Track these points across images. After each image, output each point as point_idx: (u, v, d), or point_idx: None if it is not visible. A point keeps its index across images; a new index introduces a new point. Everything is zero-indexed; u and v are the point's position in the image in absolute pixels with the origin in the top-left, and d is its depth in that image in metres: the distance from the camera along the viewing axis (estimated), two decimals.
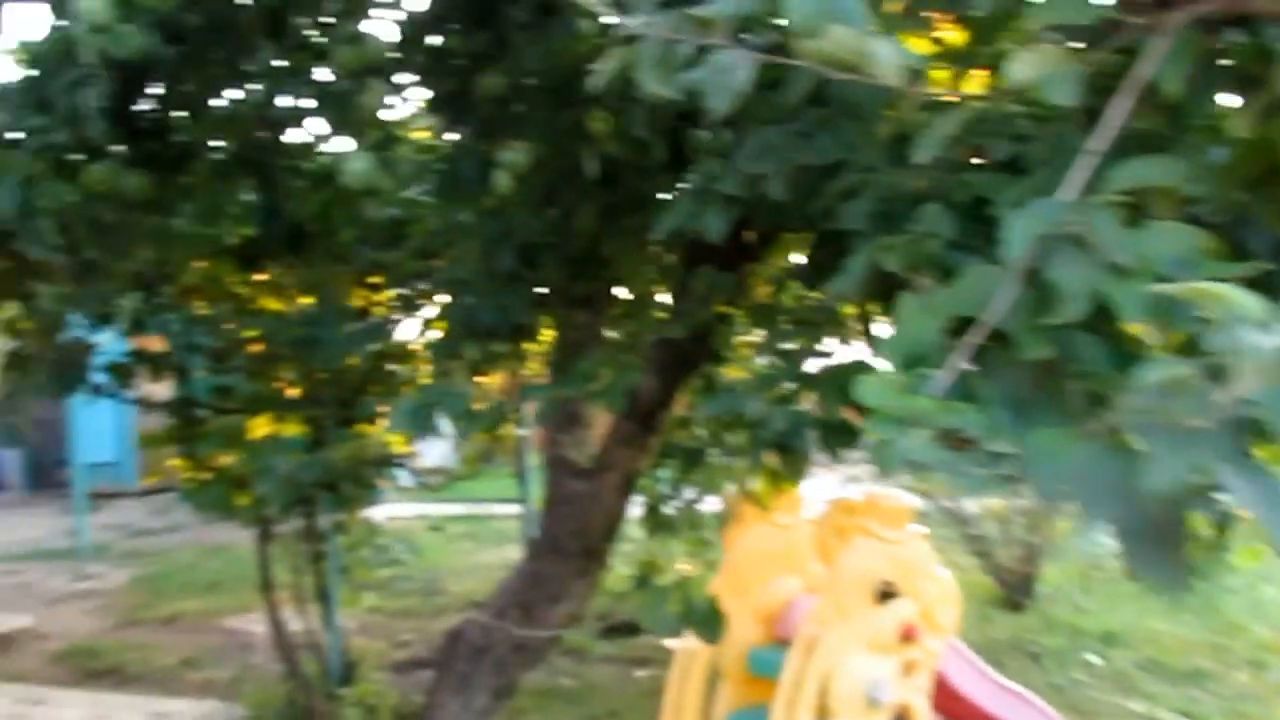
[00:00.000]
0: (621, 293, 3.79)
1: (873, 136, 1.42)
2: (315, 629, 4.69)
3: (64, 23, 1.99)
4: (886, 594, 2.86)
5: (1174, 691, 4.83)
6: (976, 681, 3.31)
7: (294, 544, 4.71)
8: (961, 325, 0.96)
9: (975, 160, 1.36)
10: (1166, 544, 0.78)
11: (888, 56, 0.98)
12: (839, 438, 1.49)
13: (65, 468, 12.60)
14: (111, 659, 5.77)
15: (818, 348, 1.59)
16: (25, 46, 2.24)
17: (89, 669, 5.64)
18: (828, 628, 2.77)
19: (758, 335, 4.95)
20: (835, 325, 1.72)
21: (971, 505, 6.64)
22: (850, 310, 1.87)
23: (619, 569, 4.05)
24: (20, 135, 1.96)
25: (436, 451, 8.08)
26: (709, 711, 3.12)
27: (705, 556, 1.61)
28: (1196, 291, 0.72)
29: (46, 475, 13.91)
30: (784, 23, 1.01)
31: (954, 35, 1.42)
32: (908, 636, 2.88)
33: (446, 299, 3.86)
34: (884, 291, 1.25)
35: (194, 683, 5.31)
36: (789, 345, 1.84)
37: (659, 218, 1.55)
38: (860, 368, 1.51)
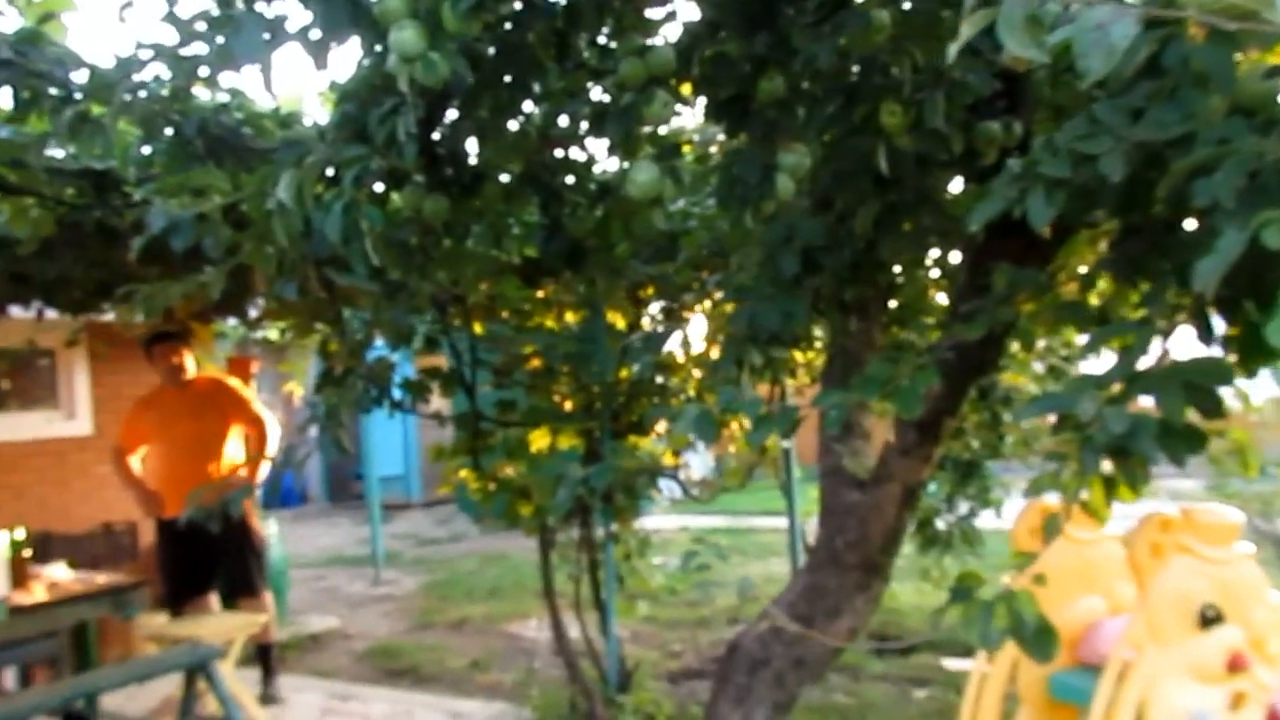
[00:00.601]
0: (895, 302, 3.68)
1: (1220, 107, 1.27)
2: (592, 636, 4.82)
3: (371, 59, 2.14)
4: (1210, 619, 2.60)
5: None
6: None
7: (571, 553, 4.88)
8: None
9: None
10: None
11: None
12: (1184, 443, 1.34)
13: (358, 481, 13.73)
14: (408, 659, 6.18)
15: (1147, 346, 1.44)
16: (336, 87, 2.43)
17: (389, 668, 6.07)
18: (1143, 653, 2.54)
19: (1049, 339, 4.68)
20: (1164, 320, 1.56)
21: None
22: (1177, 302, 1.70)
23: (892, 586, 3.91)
24: (337, 168, 2.12)
25: (699, 464, 8.16)
26: None
27: (1028, 569, 1.50)
28: None
29: (343, 488, 15.22)
30: None
31: None
32: (1235, 666, 2.60)
33: (720, 308, 3.88)
34: (1248, 272, 1.11)
35: (483, 684, 5.60)
36: (1106, 345, 1.69)
37: (974, 207, 1.46)
38: (1211, 364, 1.36)
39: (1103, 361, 1.68)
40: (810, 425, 4.03)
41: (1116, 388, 1.40)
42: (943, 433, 2.99)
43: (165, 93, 2.15)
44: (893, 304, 3.68)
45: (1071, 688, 2.84)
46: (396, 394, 3.43)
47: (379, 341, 3.52)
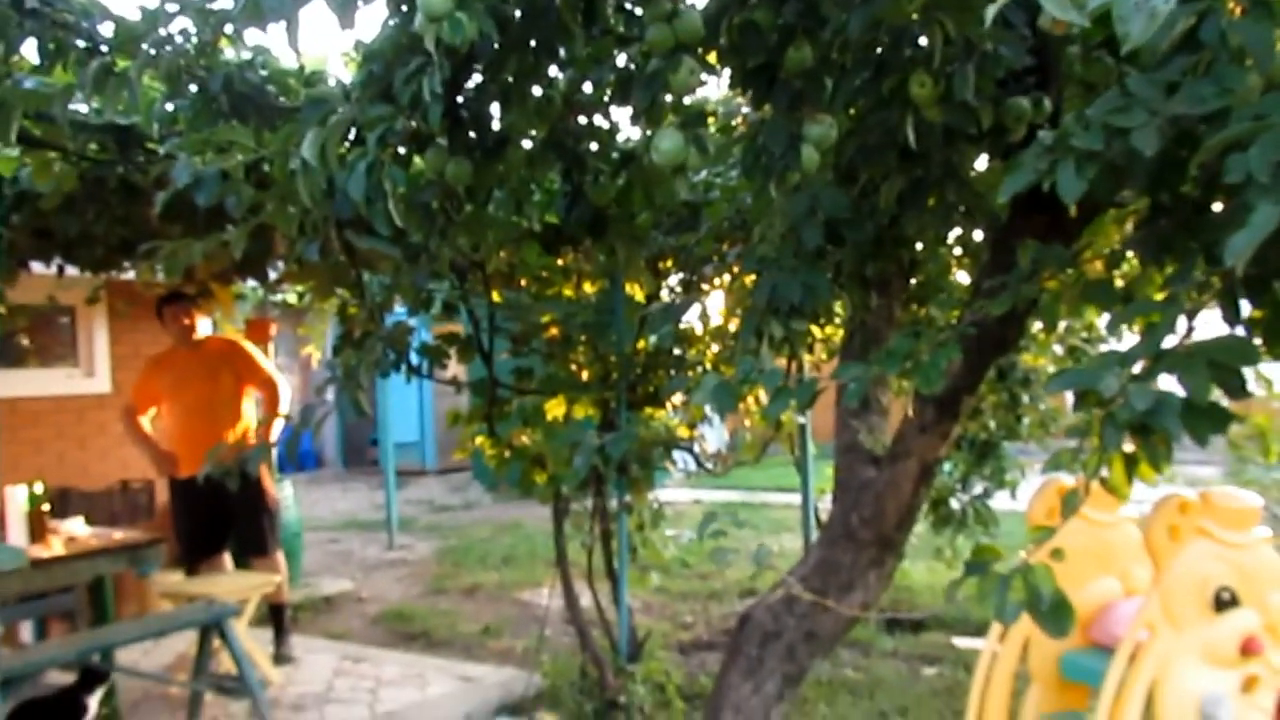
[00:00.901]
0: (916, 279, 3.66)
1: (1257, 83, 1.25)
2: (604, 606, 4.84)
3: (398, 18, 2.13)
4: (1225, 602, 2.59)
5: None
6: None
7: (585, 522, 4.90)
8: None
9: None
10: None
11: None
12: (1208, 421, 1.33)
13: (374, 447, 13.81)
14: (421, 624, 6.24)
15: (1174, 323, 1.43)
16: (361, 46, 2.42)
17: (402, 631, 6.12)
18: (1157, 634, 2.54)
19: (1070, 320, 4.64)
20: (1191, 300, 1.55)
21: None
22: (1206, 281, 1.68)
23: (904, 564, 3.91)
24: (362, 127, 2.11)
25: (714, 437, 8.16)
26: (1016, 715, 2.94)
27: (1045, 544, 1.50)
28: None
29: (358, 454, 15.32)
30: None
31: None
32: (1249, 650, 2.59)
33: (740, 280, 3.87)
34: (1278, 250, 1.10)
35: (494, 650, 5.64)
36: (1130, 324, 1.68)
37: (1003, 180, 1.45)
38: (1236, 344, 1.34)
39: (1124, 342, 1.67)
40: (826, 403, 4.03)
41: (1141, 365, 1.39)
42: (961, 411, 2.98)
43: (191, 48, 2.14)
44: (914, 281, 3.66)
45: (1083, 668, 2.83)
46: (414, 359, 3.44)
47: (398, 307, 3.53)
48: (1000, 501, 5.40)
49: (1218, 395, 1.39)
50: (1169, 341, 1.43)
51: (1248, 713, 2.61)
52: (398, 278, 2.90)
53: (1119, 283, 2.25)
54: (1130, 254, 2.37)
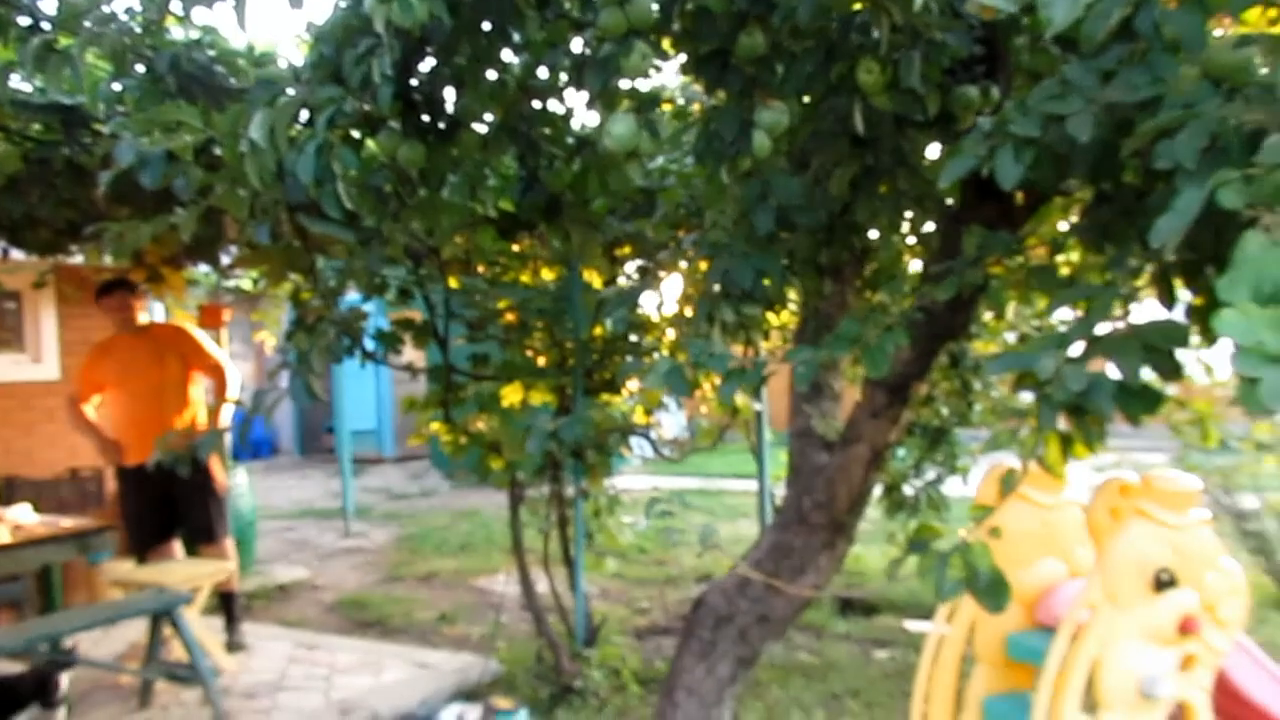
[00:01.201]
0: (870, 266, 3.69)
1: (1189, 73, 1.29)
2: (560, 591, 4.86)
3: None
4: (1165, 582, 2.65)
5: None
6: (1264, 682, 3.02)
7: (542, 509, 4.90)
8: None
9: None
10: None
11: None
12: (1140, 402, 1.37)
13: (330, 434, 13.71)
14: (377, 611, 6.21)
15: (1111, 310, 1.46)
16: (312, 28, 2.40)
17: (357, 619, 6.10)
18: (1098, 614, 2.59)
19: (1020, 308, 4.71)
20: (1128, 285, 1.58)
21: (1250, 500, 6.09)
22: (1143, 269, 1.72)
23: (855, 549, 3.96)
24: (311, 109, 2.10)
25: (671, 424, 8.20)
26: (963, 696, 3.00)
27: (984, 523, 1.54)
28: None
29: (314, 441, 15.20)
30: None
31: None
32: (1187, 629, 2.66)
33: (696, 267, 3.88)
34: (1210, 236, 1.13)
35: (451, 636, 5.64)
36: (1070, 309, 1.71)
37: (945, 163, 1.47)
38: (1169, 327, 1.38)
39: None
40: (783, 391, 4.07)
41: (1077, 348, 1.43)
42: (911, 396, 3.02)
43: (137, 26, 2.11)
44: (868, 268, 3.70)
45: (1028, 648, 2.89)
46: (369, 345, 3.42)
47: (354, 293, 3.50)
48: (953, 487, 5.48)
49: (1152, 377, 1.43)
50: (1106, 326, 1.47)
51: (1186, 690, 2.67)
52: (351, 262, 2.88)
53: (1065, 270, 2.30)
54: (1075, 241, 2.42)
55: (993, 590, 1.39)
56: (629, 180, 2.84)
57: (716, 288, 2.29)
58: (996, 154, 1.36)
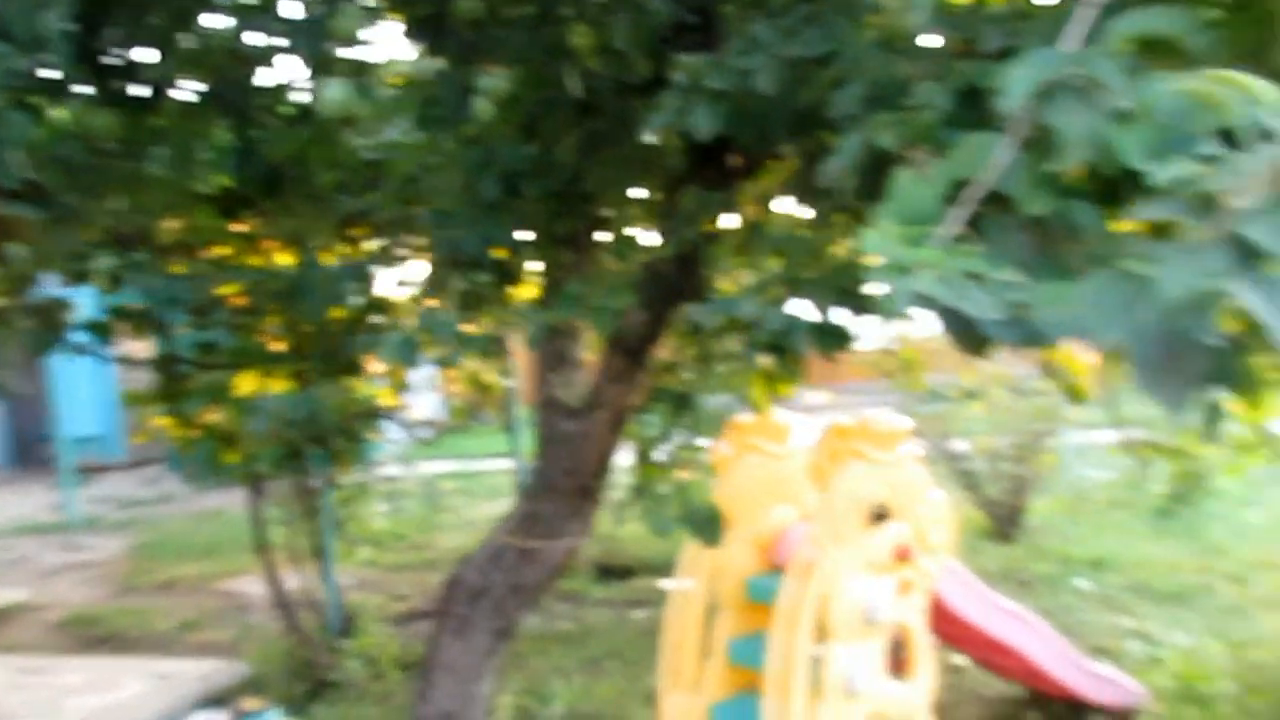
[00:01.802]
0: (606, 235, 3.76)
1: (860, 32, 1.39)
2: (312, 585, 4.70)
3: None
4: (881, 516, 2.88)
5: (1161, 610, 4.90)
6: (972, 601, 3.34)
7: (287, 502, 4.71)
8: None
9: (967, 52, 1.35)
10: (1176, 361, 0.77)
11: None
12: (833, 339, 1.48)
13: (49, 443, 12.56)
14: (110, 626, 5.77)
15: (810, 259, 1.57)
16: None
17: (88, 636, 5.64)
18: (824, 551, 2.78)
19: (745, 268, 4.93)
20: (824, 237, 1.71)
21: (961, 443, 6.69)
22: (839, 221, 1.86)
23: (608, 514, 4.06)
24: None
25: (426, 405, 8.08)
26: (709, 643, 3.14)
27: (703, 464, 1.62)
28: (1219, 78, 0.70)
29: (31, 451, 13.85)
30: None
31: None
32: (902, 557, 2.90)
33: (430, 234, 3.82)
34: (875, 177, 1.23)
35: (194, 644, 5.32)
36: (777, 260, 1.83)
37: (647, 117, 1.53)
38: (856, 269, 1.49)
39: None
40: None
41: (776, 293, 1.52)
42: (649, 358, 3.11)
43: None
44: (605, 237, 3.76)
45: (767, 590, 3.06)
46: (79, 336, 3.16)
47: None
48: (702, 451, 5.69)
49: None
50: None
51: (904, 613, 2.92)
52: (43, 245, 2.65)
53: (779, 229, 2.44)
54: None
55: (708, 525, 1.47)
56: (354, 151, 2.76)
57: (445, 257, 2.28)
58: (694, 108, 1.43)
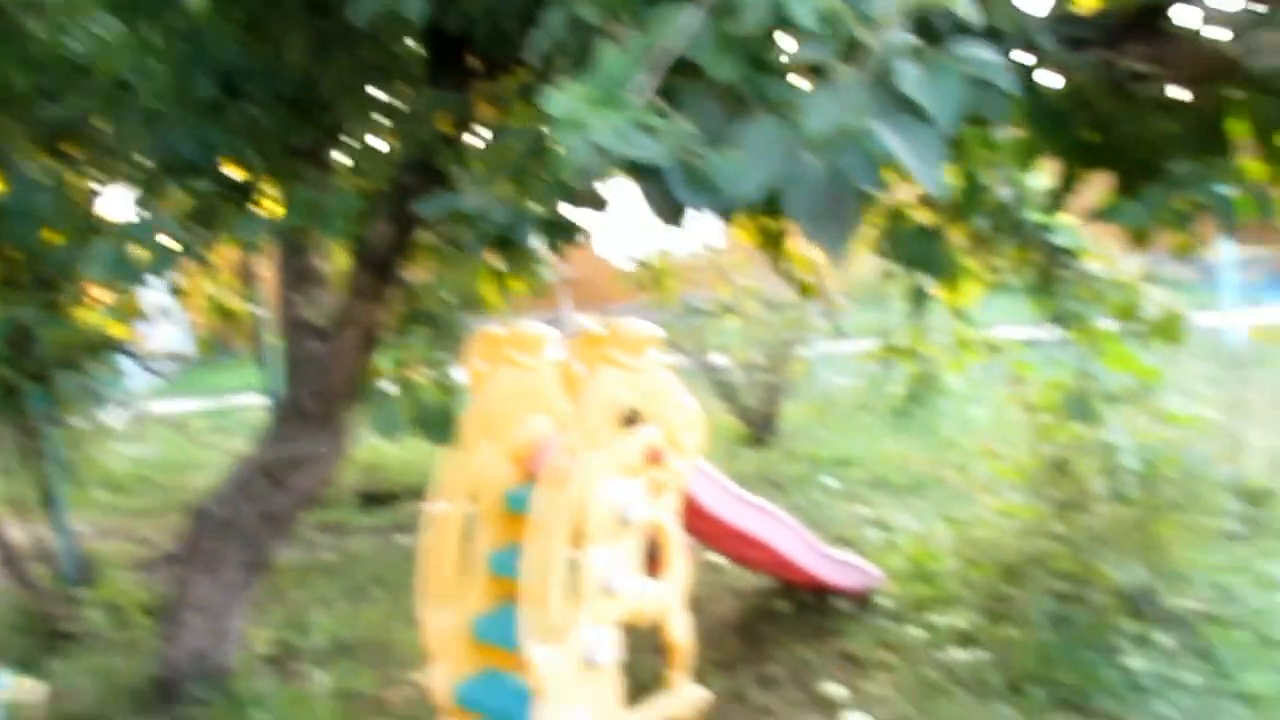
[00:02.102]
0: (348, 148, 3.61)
1: None
2: (42, 534, 4.36)
3: None
4: (632, 420, 2.95)
5: (898, 500, 5.32)
6: (722, 499, 3.49)
7: (6, 446, 4.33)
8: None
9: None
10: (832, 205, 0.81)
11: None
12: (561, 232, 1.48)
13: None
14: None
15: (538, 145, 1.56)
16: None
17: None
18: (579, 457, 2.82)
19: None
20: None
21: (719, 356, 6.94)
22: None
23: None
24: None
25: (167, 337, 7.56)
26: (470, 558, 3.13)
27: (440, 367, 1.59)
28: None
29: None
30: None
31: None
32: (654, 459, 2.98)
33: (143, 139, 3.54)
34: (581, 53, 1.23)
35: None
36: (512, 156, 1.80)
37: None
38: None
39: None
40: None
41: (505, 189, 1.50)
42: (396, 273, 3.03)
43: None
44: (347, 149, 3.60)
45: (526, 501, 3.08)
46: None
47: None
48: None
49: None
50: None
51: (657, 513, 3.01)
52: None
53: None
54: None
55: (439, 424, 1.45)
56: (51, 47, 2.50)
57: (157, 161, 2.11)
58: None
